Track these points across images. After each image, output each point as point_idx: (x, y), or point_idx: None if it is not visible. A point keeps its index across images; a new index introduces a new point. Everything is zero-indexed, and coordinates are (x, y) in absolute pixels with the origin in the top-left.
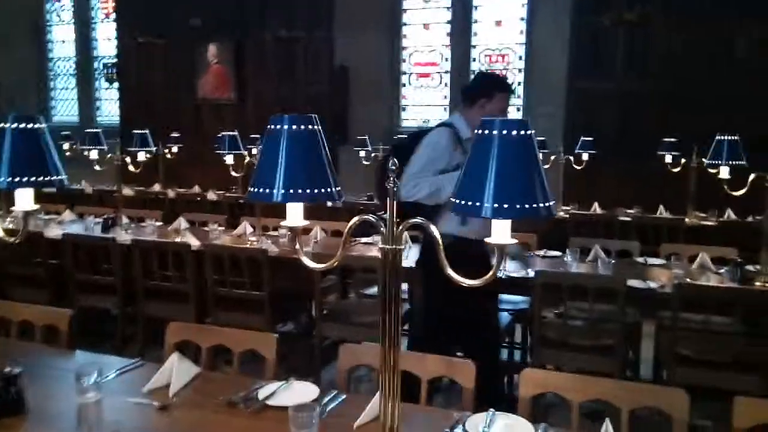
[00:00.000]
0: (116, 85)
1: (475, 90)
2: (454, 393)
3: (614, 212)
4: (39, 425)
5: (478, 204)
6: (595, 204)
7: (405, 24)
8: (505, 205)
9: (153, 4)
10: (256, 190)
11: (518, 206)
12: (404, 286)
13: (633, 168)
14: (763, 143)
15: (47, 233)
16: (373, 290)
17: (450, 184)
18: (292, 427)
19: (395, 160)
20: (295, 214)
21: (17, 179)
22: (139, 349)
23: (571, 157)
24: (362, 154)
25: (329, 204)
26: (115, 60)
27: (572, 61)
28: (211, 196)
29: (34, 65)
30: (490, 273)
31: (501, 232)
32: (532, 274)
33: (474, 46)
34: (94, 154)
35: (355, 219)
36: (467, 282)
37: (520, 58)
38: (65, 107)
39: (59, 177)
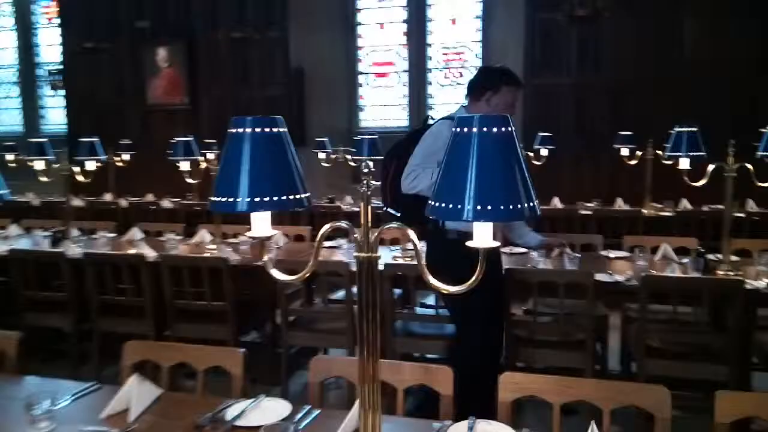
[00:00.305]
0: (62, 92)
1: (481, 83)
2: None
3: (574, 206)
4: None
5: (459, 207)
6: (555, 199)
7: (360, 24)
8: (488, 207)
9: (98, 8)
10: (218, 199)
11: (502, 207)
12: None
13: (590, 162)
14: (714, 134)
15: None
16: (340, 294)
17: None
18: None
19: (369, 162)
20: (261, 224)
21: None
22: (96, 367)
23: (531, 153)
24: (322, 155)
25: None
26: (60, 66)
27: (528, 57)
28: (166, 204)
29: None
30: (472, 279)
31: (483, 235)
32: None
33: (430, 45)
34: (39, 165)
35: (327, 226)
36: (451, 289)
37: (477, 55)
38: (8, 116)
39: None
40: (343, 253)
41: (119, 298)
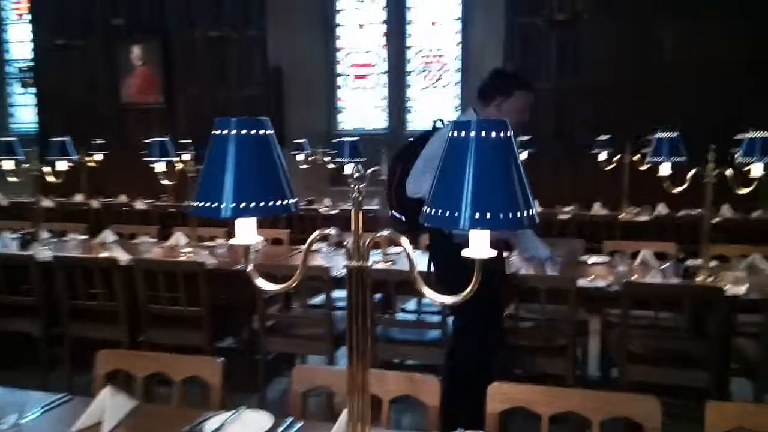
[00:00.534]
0: (32, 89)
1: (491, 87)
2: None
3: (553, 210)
4: None
5: (456, 214)
6: (535, 203)
7: (339, 25)
8: (487, 215)
9: (70, 4)
10: (200, 204)
11: (501, 215)
12: None
13: (570, 166)
14: (695, 137)
15: None
16: (318, 299)
17: None
18: None
19: (359, 165)
20: (246, 230)
21: None
22: (67, 374)
23: None
24: (300, 157)
25: None
26: (30, 63)
27: (507, 61)
28: (140, 205)
29: None
30: (469, 288)
31: (480, 244)
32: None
33: (409, 47)
34: (8, 164)
35: (317, 233)
36: (445, 299)
37: (456, 58)
38: None
39: None
40: (322, 256)
41: (91, 302)
